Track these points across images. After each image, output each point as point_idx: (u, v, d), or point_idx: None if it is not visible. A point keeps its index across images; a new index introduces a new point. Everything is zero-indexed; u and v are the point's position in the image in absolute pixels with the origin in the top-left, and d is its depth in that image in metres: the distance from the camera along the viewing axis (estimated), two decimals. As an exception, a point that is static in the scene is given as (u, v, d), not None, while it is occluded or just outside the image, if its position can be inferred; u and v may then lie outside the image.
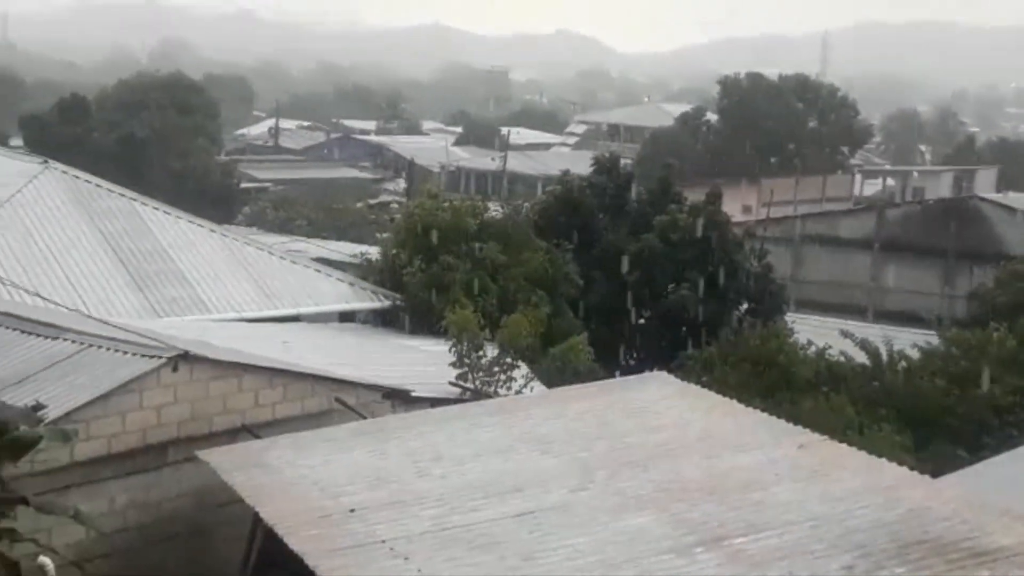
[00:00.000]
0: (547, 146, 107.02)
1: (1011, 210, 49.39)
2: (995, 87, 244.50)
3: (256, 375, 15.77)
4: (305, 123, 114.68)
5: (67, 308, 20.34)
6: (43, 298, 20.97)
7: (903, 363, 25.10)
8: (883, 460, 12.81)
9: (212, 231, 28.70)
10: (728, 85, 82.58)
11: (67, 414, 13.43)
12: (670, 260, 31.68)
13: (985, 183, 71.50)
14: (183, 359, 14.83)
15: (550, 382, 21.00)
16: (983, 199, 52.80)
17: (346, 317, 27.56)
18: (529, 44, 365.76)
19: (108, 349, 15.19)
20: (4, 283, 21.98)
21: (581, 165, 39.44)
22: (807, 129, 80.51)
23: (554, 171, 49.17)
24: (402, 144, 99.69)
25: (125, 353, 14.97)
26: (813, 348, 26.22)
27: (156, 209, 28.41)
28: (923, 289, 46.50)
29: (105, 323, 17.52)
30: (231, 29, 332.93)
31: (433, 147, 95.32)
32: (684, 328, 30.75)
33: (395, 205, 60.15)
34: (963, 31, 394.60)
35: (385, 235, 34.46)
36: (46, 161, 29.68)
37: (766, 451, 13.14)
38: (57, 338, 15.77)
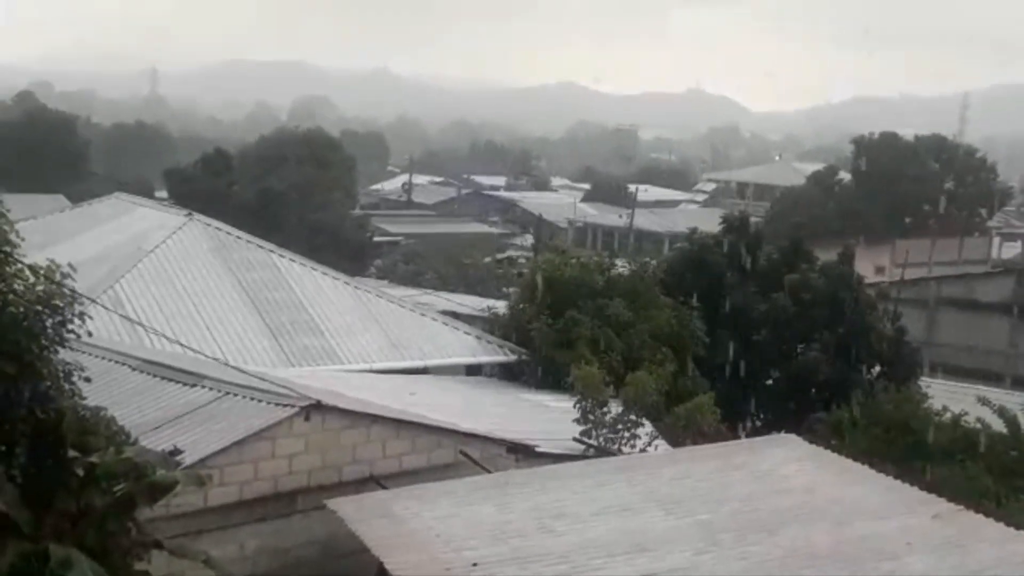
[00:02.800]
0: (675, 203, 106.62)
1: None
2: None
3: (384, 426, 16.03)
4: (437, 179, 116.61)
5: (206, 356, 20.97)
6: (183, 346, 21.68)
7: (1044, 432, 24.16)
8: (1021, 532, 12.38)
9: (345, 283, 29.34)
10: (862, 145, 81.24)
11: (202, 460, 13.83)
12: (800, 320, 31.19)
13: None
14: (315, 409, 15.17)
15: (675, 441, 20.81)
16: None
17: (473, 370, 27.79)
18: (659, 103, 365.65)
19: (244, 397, 15.64)
20: (147, 330, 22.79)
21: (709, 223, 39.20)
22: (943, 190, 78.58)
23: (682, 228, 48.90)
24: (531, 200, 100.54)
25: (260, 401, 15.40)
26: (948, 414, 25.42)
27: (292, 261, 29.21)
28: (1066, 356, 44.76)
29: (242, 371, 18.01)
30: (369, 87, 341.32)
31: (561, 203, 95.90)
32: (814, 390, 30.19)
33: (522, 260, 60.52)
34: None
35: (512, 290, 34.69)
36: (190, 213, 30.81)
37: (899, 519, 12.82)
38: (196, 385, 16.30)
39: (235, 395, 15.81)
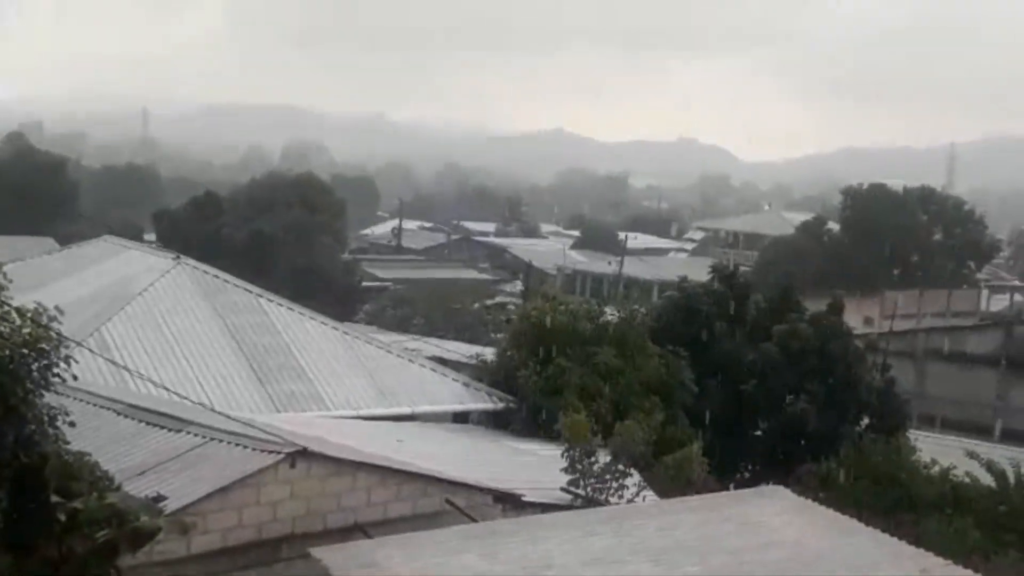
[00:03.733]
0: (664, 251, 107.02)
1: None
2: None
3: (370, 473, 15.91)
4: (427, 224, 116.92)
5: (192, 401, 20.85)
6: (169, 390, 21.55)
7: (1032, 486, 24.16)
8: (1010, 589, 12.32)
9: (333, 328, 29.26)
10: (851, 195, 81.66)
11: (186, 506, 13.69)
12: (789, 370, 31.17)
13: (1120, 301, 69.00)
14: (301, 455, 15.05)
15: (663, 491, 20.70)
16: (1118, 318, 50.92)
17: (460, 417, 27.68)
18: (650, 151, 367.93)
19: (229, 443, 15.52)
20: (133, 374, 22.68)
21: (699, 271, 39.31)
22: (932, 241, 78.94)
23: (671, 276, 49.03)
24: (520, 246, 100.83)
25: (245, 448, 15.27)
26: (937, 467, 25.41)
27: (280, 305, 29.14)
28: (1054, 409, 44.80)
29: (227, 417, 17.90)
30: (363, 132, 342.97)
31: (551, 250, 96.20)
32: (802, 441, 30.12)
33: (511, 306, 60.55)
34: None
35: (501, 336, 34.66)
36: (178, 256, 30.77)
37: (887, 573, 12.73)
38: (181, 431, 16.18)
39: (220, 441, 15.69)
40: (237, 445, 15.45)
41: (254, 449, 15.21)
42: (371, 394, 26.67)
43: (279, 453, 14.97)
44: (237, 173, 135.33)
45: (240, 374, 25.84)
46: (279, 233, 65.00)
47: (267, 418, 20.84)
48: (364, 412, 25.74)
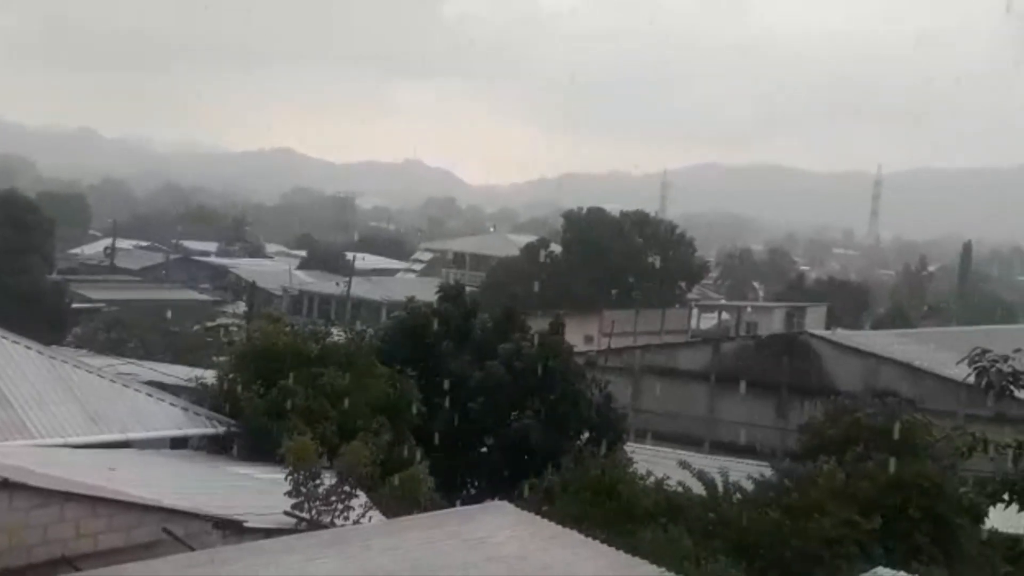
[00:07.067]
0: (392, 272, 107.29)
1: (839, 346, 51.21)
2: (825, 229, 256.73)
3: (79, 504, 14.98)
4: (144, 243, 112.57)
5: None
6: None
7: (738, 494, 25.44)
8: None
9: (39, 352, 27.51)
10: (571, 218, 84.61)
11: None
12: (513, 388, 31.73)
13: (815, 319, 74.34)
14: (1, 487, 14.01)
15: (390, 512, 20.56)
16: (813, 335, 54.62)
17: (179, 443, 26.63)
18: (378, 172, 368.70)
19: (-84, 476, 14.25)
20: None
21: (426, 292, 39.49)
22: (646, 263, 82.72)
23: (399, 297, 49.01)
24: (244, 266, 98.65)
25: (-65, 480, 14.07)
26: (652, 478, 26.37)
27: (-21, 328, 27.18)
28: (757, 421, 47.53)
29: (-85, 447, 16.51)
30: (73, 147, 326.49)
31: (276, 270, 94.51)
32: (526, 457, 30.67)
33: (234, 328, 58.99)
34: (799, 175, 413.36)
35: (222, 359, 33.68)
36: None
37: (606, 584, 13.05)
38: None
39: (-93, 474, 14.40)
40: (-74, 478, 14.21)
41: (-54, 482, 14.03)
42: (80, 421, 25.25)
43: (-26, 485, 13.88)
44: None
45: (-68, 402, 23.89)
46: (-20, 252, 60.95)
47: (-37, 448, 19.35)
48: (73, 440, 24.33)
